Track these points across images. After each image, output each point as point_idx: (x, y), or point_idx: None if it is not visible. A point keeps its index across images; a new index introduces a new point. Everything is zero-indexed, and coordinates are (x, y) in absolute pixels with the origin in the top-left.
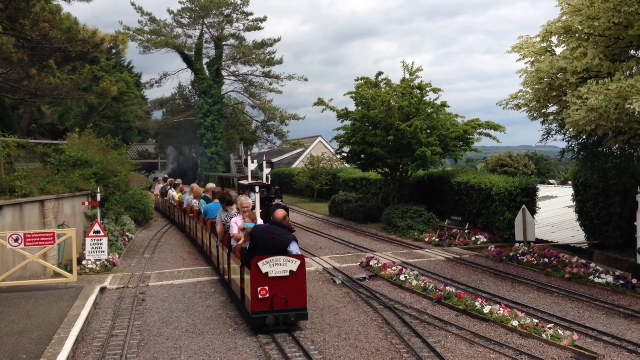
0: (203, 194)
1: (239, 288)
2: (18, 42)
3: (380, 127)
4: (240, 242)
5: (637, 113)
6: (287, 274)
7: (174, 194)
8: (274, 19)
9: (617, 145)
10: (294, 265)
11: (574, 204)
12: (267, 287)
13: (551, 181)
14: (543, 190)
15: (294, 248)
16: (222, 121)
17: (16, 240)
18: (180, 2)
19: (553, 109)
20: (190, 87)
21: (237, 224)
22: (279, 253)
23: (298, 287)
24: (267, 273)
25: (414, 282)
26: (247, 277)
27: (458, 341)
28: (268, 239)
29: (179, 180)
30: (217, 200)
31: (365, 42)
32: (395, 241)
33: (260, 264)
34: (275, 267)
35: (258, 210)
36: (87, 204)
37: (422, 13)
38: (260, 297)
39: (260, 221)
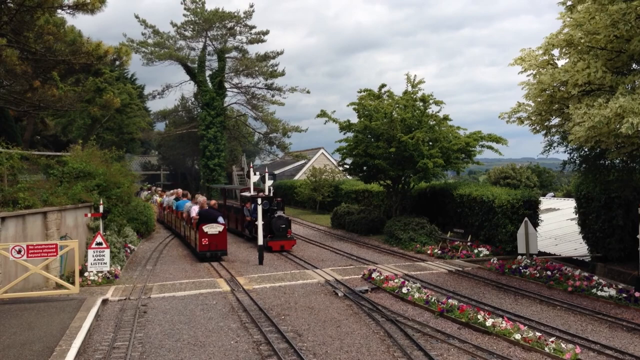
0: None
1: (193, 242)
2: (22, 54)
3: (382, 139)
4: (195, 220)
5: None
6: (217, 232)
7: (157, 198)
8: (280, 31)
9: (619, 159)
10: (220, 227)
11: (577, 216)
12: (207, 239)
13: (550, 194)
14: (545, 203)
15: (220, 219)
16: (225, 133)
17: (19, 252)
18: (184, 15)
19: (555, 121)
20: (193, 99)
21: (194, 210)
22: (213, 222)
23: (222, 239)
24: (207, 231)
25: (416, 295)
26: (197, 235)
27: (460, 354)
28: (207, 215)
29: (160, 188)
30: (183, 199)
31: (370, 54)
32: (397, 253)
33: (203, 227)
34: (211, 228)
35: (260, 222)
36: (89, 215)
37: (427, 25)
38: (203, 243)
39: (206, 207)
